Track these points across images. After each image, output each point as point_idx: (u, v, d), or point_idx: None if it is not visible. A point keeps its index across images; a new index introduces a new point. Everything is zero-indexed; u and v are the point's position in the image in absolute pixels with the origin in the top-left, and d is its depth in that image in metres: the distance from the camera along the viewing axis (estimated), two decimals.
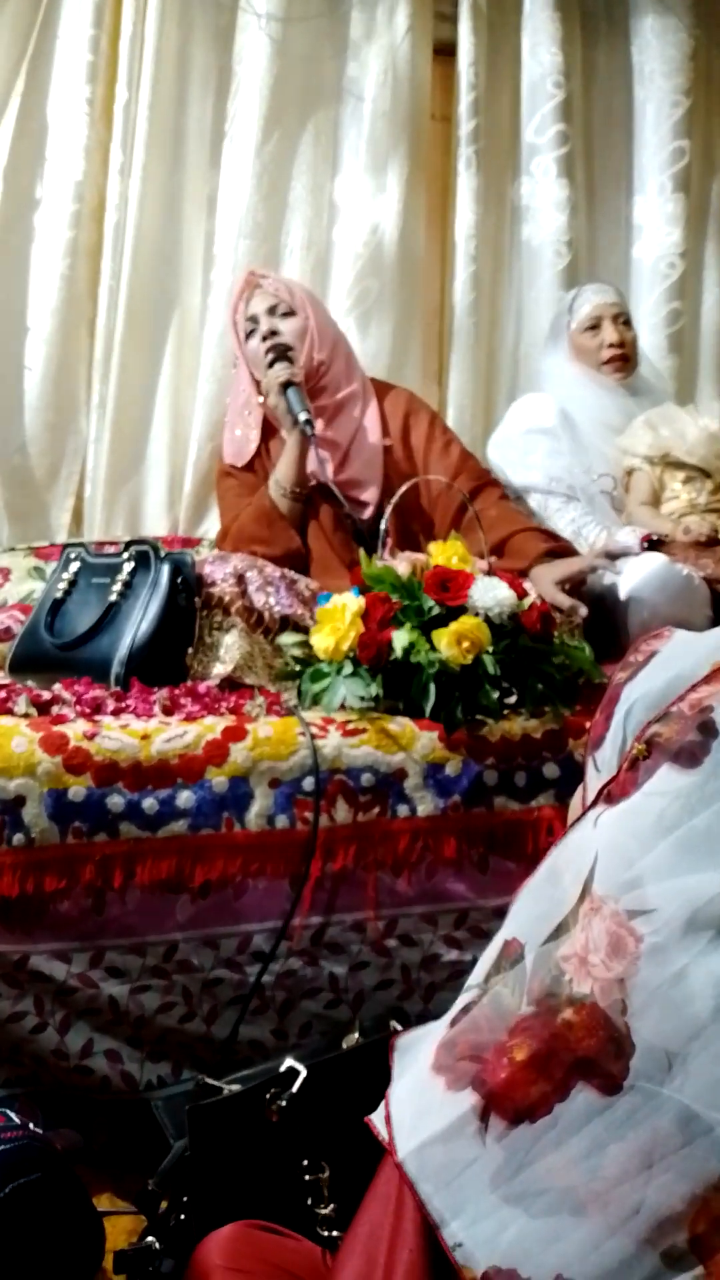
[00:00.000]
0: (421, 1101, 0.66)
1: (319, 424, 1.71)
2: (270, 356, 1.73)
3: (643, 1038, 0.58)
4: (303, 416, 1.64)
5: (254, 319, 1.80)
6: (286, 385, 1.68)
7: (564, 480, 1.88)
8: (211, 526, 2.11)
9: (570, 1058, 0.60)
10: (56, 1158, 0.91)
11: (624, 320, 2.02)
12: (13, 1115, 0.95)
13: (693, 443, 1.85)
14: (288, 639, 1.36)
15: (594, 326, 2.01)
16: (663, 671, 0.71)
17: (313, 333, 1.80)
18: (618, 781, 0.68)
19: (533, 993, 0.63)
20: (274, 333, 1.77)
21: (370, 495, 1.76)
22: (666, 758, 0.65)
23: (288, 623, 1.44)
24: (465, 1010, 0.67)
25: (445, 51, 2.27)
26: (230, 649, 1.39)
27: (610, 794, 0.68)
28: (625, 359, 2.00)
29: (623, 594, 1.59)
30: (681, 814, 0.63)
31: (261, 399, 1.77)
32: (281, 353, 1.74)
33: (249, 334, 1.81)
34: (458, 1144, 0.62)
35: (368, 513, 1.73)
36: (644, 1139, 0.56)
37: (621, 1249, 0.55)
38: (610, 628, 1.58)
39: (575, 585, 1.54)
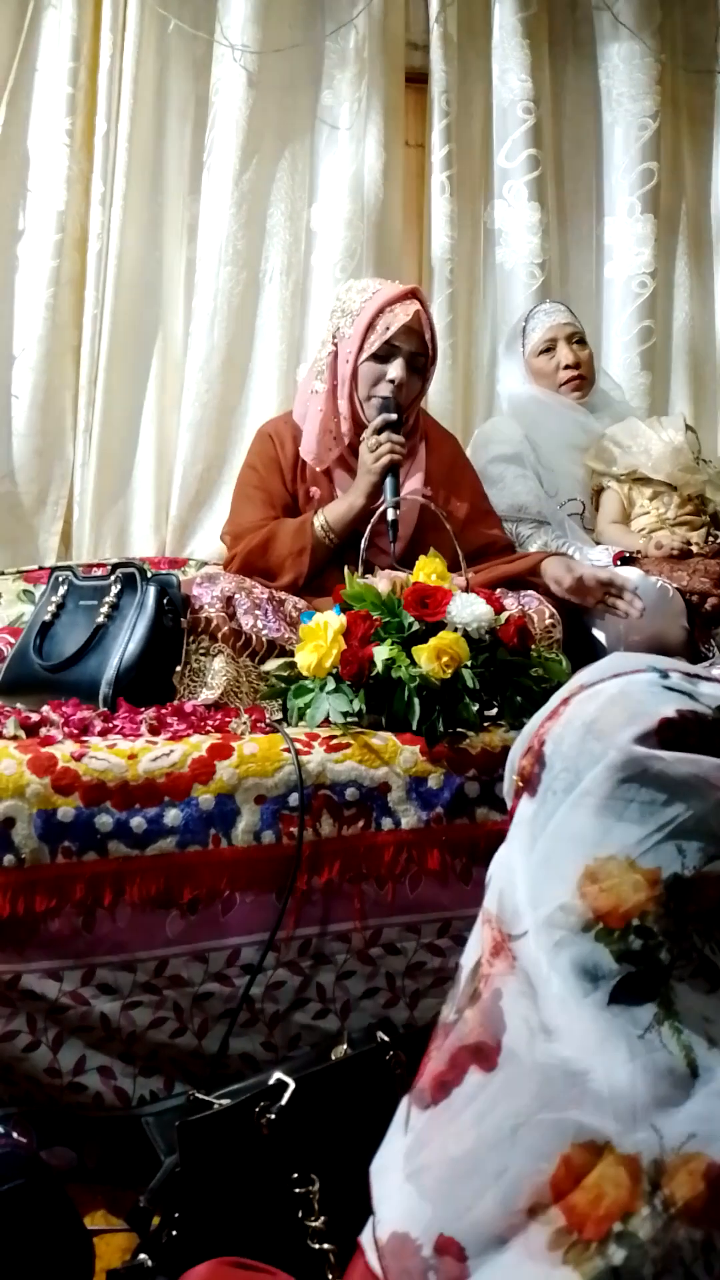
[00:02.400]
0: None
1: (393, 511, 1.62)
2: (392, 416, 1.63)
3: (512, 1018, 0.66)
4: (391, 515, 1.57)
5: (393, 348, 1.67)
6: (390, 466, 1.61)
7: (533, 506, 1.89)
8: (198, 547, 2.14)
9: (467, 1049, 0.67)
10: (40, 1166, 0.89)
11: (578, 339, 2.03)
12: None
13: (658, 459, 1.87)
14: (272, 665, 1.38)
15: (549, 349, 2.02)
16: (540, 710, 0.79)
17: (420, 400, 1.76)
18: (511, 809, 0.76)
19: (458, 1003, 0.71)
20: (400, 387, 1.66)
21: (397, 545, 1.69)
22: (526, 788, 0.73)
23: (275, 646, 1.46)
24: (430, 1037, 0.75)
25: (417, 79, 2.33)
26: (217, 674, 1.41)
27: (513, 814, 0.75)
28: (583, 378, 2.01)
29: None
30: (529, 840, 0.71)
31: (370, 446, 1.64)
32: (396, 417, 1.64)
33: (378, 355, 1.67)
34: (393, 1138, 0.70)
35: (385, 561, 1.69)
36: (512, 1107, 0.63)
37: (492, 1205, 0.61)
38: (587, 640, 1.61)
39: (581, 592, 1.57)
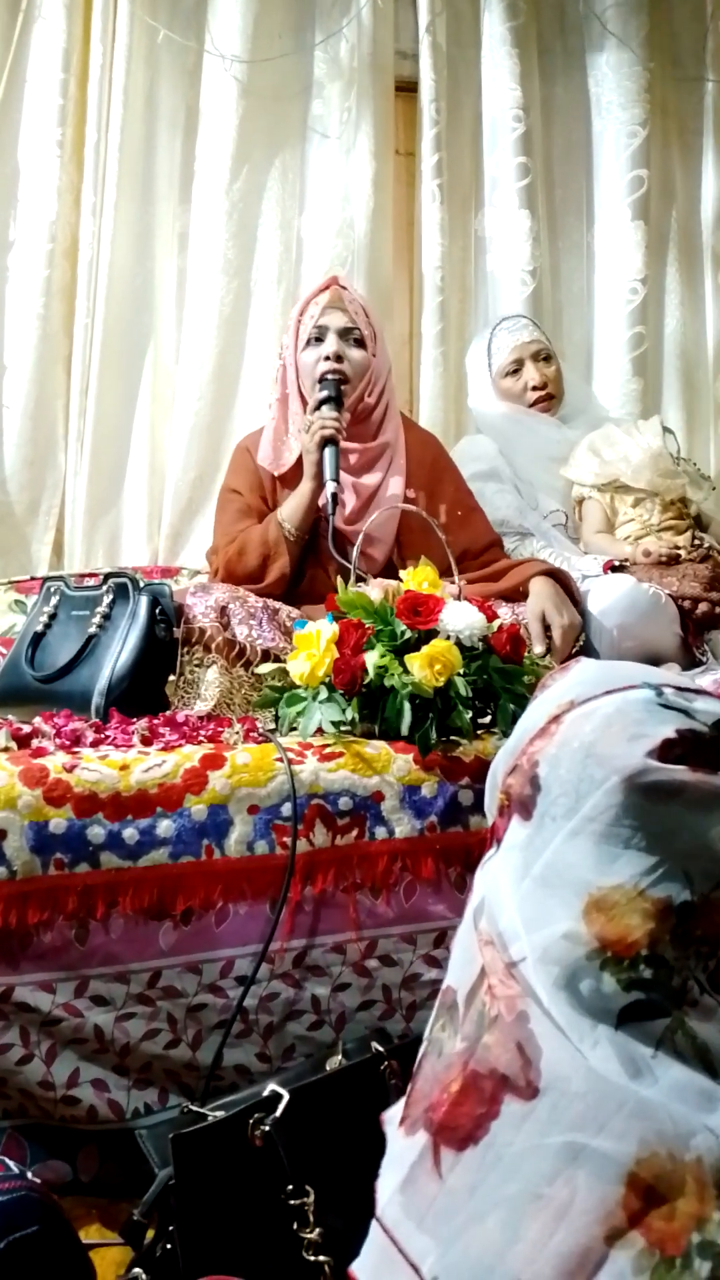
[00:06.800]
0: (391, 1154, 0.70)
1: (344, 491, 1.63)
2: (322, 394, 1.65)
3: (546, 1041, 0.62)
4: (330, 488, 1.56)
5: (323, 330, 1.71)
6: (326, 442, 1.62)
7: (514, 520, 1.89)
8: (190, 556, 2.14)
9: (494, 1076, 0.64)
10: (52, 1208, 0.90)
11: (544, 357, 2.02)
12: (10, 1164, 0.94)
13: (638, 466, 1.86)
14: (266, 668, 1.38)
15: (515, 371, 2.01)
16: (522, 722, 0.76)
17: (373, 373, 1.74)
18: (496, 826, 0.73)
19: (463, 1029, 0.67)
20: (339, 359, 1.69)
21: (380, 552, 1.70)
22: (516, 809, 0.71)
23: (269, 656, 1.46)
24: (418, 1064, 0.71)
25: (407, 88, 2.34)
26: (210, 686, 1.41)
27: (496, 832, 0.73)
28: (551, 396, 2.01)
29: (594, 615, 1.62)
30: (524, 866, 0.69)
31: (304, 426, 1.67)
32: (336, 391, 1.65)
33: (310, 341, 1.72)
34: (420, 1184, 0.65)
35: (375, 567, 1.69)
36: (565, 1134, 0.60)
37: (566, 1241, 0.58)
38: (582, 649, 1.61)
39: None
